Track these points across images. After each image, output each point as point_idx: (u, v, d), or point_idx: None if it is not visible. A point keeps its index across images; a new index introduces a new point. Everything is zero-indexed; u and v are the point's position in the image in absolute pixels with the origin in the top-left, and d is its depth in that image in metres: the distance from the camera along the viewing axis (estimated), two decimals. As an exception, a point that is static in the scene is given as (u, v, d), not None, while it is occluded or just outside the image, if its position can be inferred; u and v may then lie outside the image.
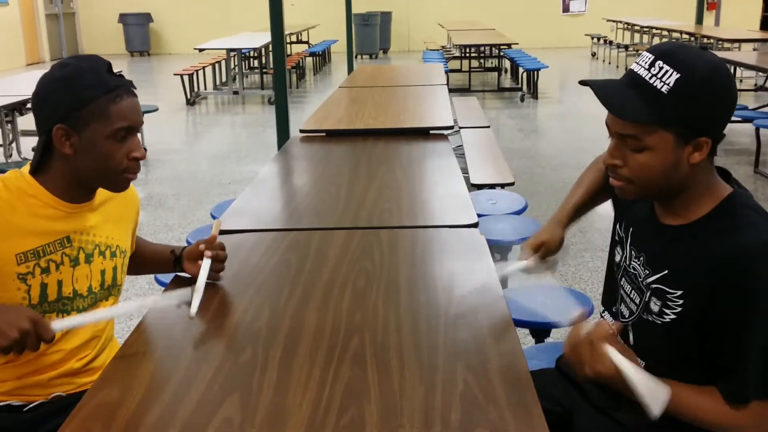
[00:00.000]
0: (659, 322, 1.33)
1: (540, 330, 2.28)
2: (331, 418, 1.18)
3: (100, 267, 1.56)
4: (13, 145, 5.78)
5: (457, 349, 1.40)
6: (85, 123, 1.41)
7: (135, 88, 1.51)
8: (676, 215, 1.34)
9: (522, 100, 9.78)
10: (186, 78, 9.80)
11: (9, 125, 5.54)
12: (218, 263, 1.68)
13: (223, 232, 2.16)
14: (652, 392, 1.17)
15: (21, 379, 1.51)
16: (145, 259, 1.80)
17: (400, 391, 1.26)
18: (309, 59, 13.31)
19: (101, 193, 1.58)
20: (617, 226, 1.55)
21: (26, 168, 1.49)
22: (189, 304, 1.52)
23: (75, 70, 1.43)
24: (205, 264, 1.64)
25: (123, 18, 16.38)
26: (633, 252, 1.44)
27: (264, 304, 1.62)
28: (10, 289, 1.42)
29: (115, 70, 1.50)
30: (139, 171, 1.52)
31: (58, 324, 1.35)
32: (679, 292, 1.30)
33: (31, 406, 1.52)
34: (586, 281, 3.88)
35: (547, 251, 1.67)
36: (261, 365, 1.35)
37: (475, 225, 2.11)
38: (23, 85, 5.82)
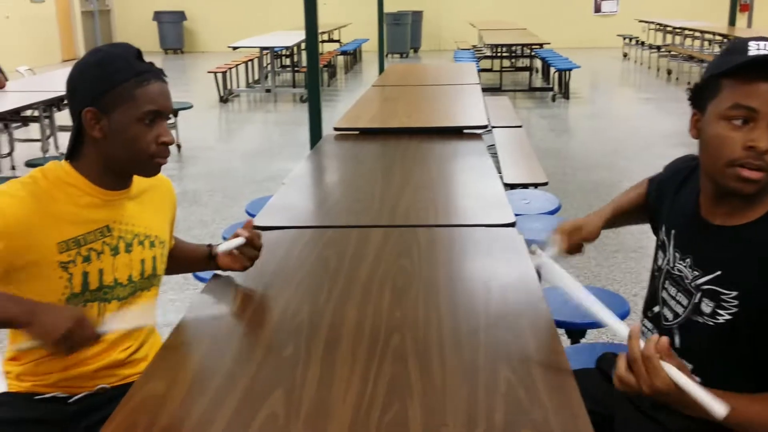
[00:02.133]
0: (711, 323, 1.32)
1: (576, 330, 2.27)
2: (374, 414, 1.19)
3: (139, 256, 1.57)
4: (51, 140, 5.87)
5: (498, 349, 1.40)
6: (113, 106, 1.43)
7: (166, 76, 1.51)
8: (731, 215, 1.32)
9: (553, 99, 9.72)
10: (219, 76, 9.88)
11: (47, 120, 5.63)
12: (253, 250, 1.69)
13: (260, 228, 2.18)
14: (713, 401, 1.15)
15: (66, 371, 1.53)
16: (180, 257, 1.81)
17: (443, 389, 1.26)
18: (340, 58, 13.35)
19: (138, 184, 1.59)
20: (659, 232, 1.54)
21: (64, 161, 1.51)
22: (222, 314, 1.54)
23: (105, 55, 1.46)
24: (234, 241, 1.66)
25: (158, 16, 16.57)
26: (677, 254, 1.42)
27: (304, 300, 1.63)
28: (52, 278, 1.43)
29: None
30: (168, 156, 1.52)
31: (104, 325, 1.38)
32: (735, 293, 1.28)
33: (76, 397, 1.54)
34: (618, 282, 3.85)
35: (581, 238, 1.66)
36: (303, 361, 1.36)
37: (512, 224, 2.11)
38: (59, 81, 5.90)
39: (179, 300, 3.59)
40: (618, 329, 1.30)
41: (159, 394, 1.26)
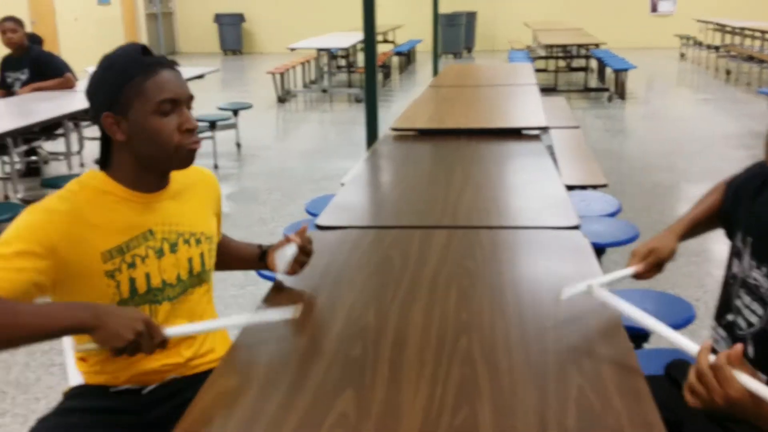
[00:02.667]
0: None
1: (639, 335, 2.24)
2: (445, 416, 1.19)
3: (186, 255, 1.57)
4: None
5: (568, 353, 1.39)
6: (128, 105, 1.42)
7: (177, 64, 1.50)
8: None
9: (609, 100, 9.56)
10: (278, 76, 10.01)
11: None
12: (304, 256, 1.70)
13: (324, 228, 2.21)
14: None
15: (133, 366, 1.55)
16: (230, 255, 1.81)
17: (512, 393, 1.26)
18: (395, 58, 13.37)
19: (178, 181, 1.59)
20: (734, 238, 1.50)
21: (98, 170, 1.52)
22: (290, 316, 1.54)
23: (110, 59, 1.47)
24: (288, 251, 1.66)
25: (218, 18, 16.87)
26: (754, 263, 1.39)
27: (370, 301, 1.65)
28: (100, 287, 1.44)
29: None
30: (197, 142, 1.48)
31: (171, 330, 1.37)
32: None
33: (149, 389, 1.58)
34: (680, 286, 3.77)
35: (657, 259, 1.64)
36: (372, 361, 1.38)
37: (576, 227, 2.09)
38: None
39: (241, 296, 3.66)
40: (689, 347, 1.28)
41: (232, 390, 1.30)
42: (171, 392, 1.58)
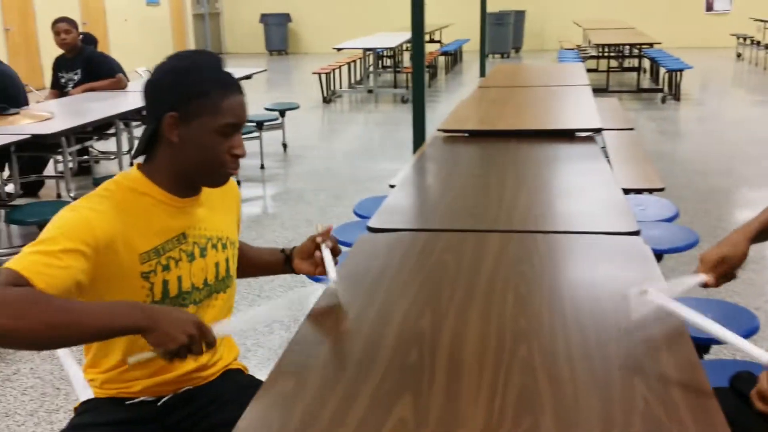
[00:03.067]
0: None
1: (700, 346, 2.16)
2: (506, 426, 1.16)
3: (214, 260, 1.57)
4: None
5: (632, 363, 1.35)
6: (195, 114, 1.43)
7: (242, 87, 1.52)
8: None
9: (663, 101, 9.36)
10: (323, 76, 10.05)
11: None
12: (334, 254, 1.68)
13: (376, 230, 2.19)
14: None
15: (152, 378, 1.55)
16: (248, 261, 1.78)
17: (575, 403, 1.22)
18: (441, 58, 13.32)
19: (206, 188, 1.58)
20: None
21: (133, 169, 1.51)
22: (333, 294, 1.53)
23: (193, 62, 1.46)
24: (325, 252, 1.64)
25: (264, 18, 17.03)
26: None
27: (425, 304, 1.62)
28: (134, 288, 1.44)
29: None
30: (238, 168, 1.51)
31: (218, 329, 1.35)
32: None
33: (163, 400, 1.57)
34: (740, 294, 3.65)
35: (730, 268, 1.57)
36: (429, 368, 1.35)
37: (636, 233, 2.03)
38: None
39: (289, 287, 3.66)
40: (758, 355, 1.22)
41: (289, 392, 1.28)
42: (185, 399, 1.58)
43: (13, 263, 1.27)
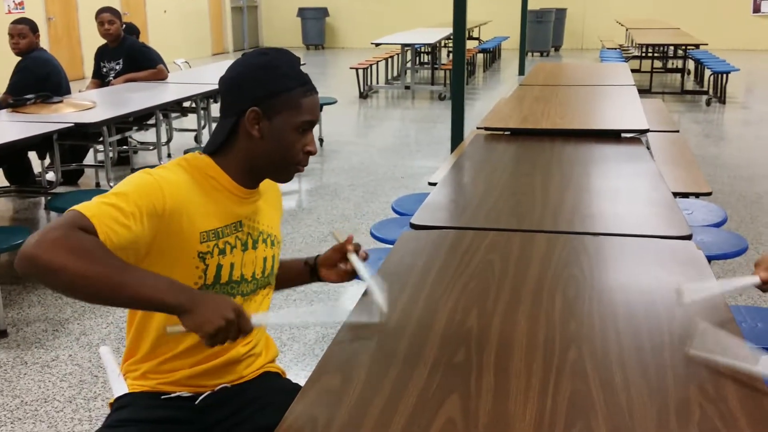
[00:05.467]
0: None
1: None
2: (558, 431, 1.13)
3: (263, 254, 1.57)
4: (205, 130, 6.16)
5: (687, 370, 1.30)
6: (277, 110, 1.45)
7: None
8: None
9: (708, 104, 9.18)
10: (360, 72, 10.04)
11: (203, 112, 5.91)
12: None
13: (419, 227, 2.16)
14: None
15: (192, 368, 1.53)
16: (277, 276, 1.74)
17: (629, 411, 1.18)
18: (479, 56, 13.22)
19: (262, 185, 1.59)
20: None
21: (203, 155, 1.51)
22: (375, 320, 1.51)
23: (274, 59, 1.47)
24: (355, 259, 1.63)
25: (301, 12, 17.08)
26: None
27: (472, 305, 1.59)
28: (189, 267, 1.44)
29: None
30: (307, 165, 1.55)
31: (255, 318, 1.34)
32: None
33: (201, 398, 1.55)
34: (786, 304, 3.55)
35: None
36: (476, 368, 1.32)
37: (688, 237, 1.97)
38: (214, 74, 6.19)
39: (323, 293, 3.66)
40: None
41: (335, 389, 1.26)
42: (222, 399, 1.56)
43: (83, 207, 1.29)
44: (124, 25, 5.85)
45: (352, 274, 1.67)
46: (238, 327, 1.28)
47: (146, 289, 1.24)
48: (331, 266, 1.70)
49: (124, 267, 1.24)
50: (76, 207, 1.29)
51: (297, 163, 1.51)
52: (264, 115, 1.45)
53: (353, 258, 1.64)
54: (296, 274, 1.76)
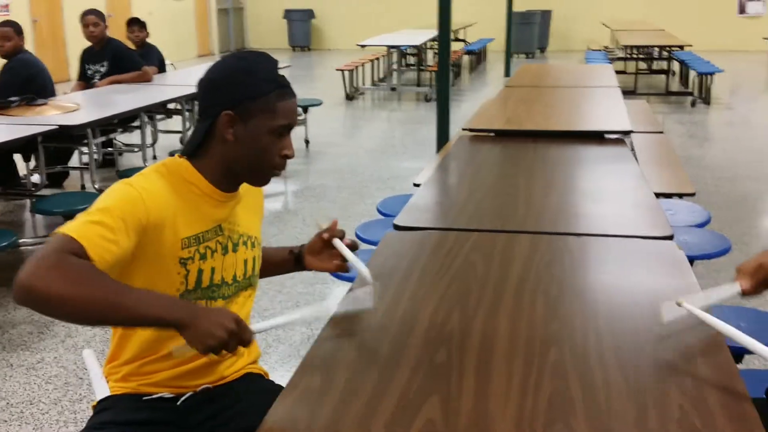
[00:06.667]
0: None
1: (734, 355, 2.12)
2: (537, 431, 1.13)
3: (243, 256, 1.58)
4: (190, 131, 6.14)
5: (666, 370, 1.32)
6: (252, 114, 1.44)
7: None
8: None
9: (693, 105, 9.24)
10: (347, 73, 10.04)
11: (188, 114, 5.89)
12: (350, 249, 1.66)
13: (403, 228, 2.17)
14: None
15: (173, 369, 1.53)
16: (261, 262, 1.74)
17: (608, 410, 1.19)
18: (465, 57, 13.26)
19: (242, 187, 1.59)
20: None
21: (181, 158, 1.50)
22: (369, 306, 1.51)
23: (252, 63, 1.47)
24: (340, 245, 1.63)
25: (287, 14, 17.06)
26: None
27: (453, 305, 1.60)
28: (171, 273, 1.44)
29: (283, 64, 1.51)
30: (284, 169, 1.54)
31: (255, 326, 1.35)
32: None
33: (183, 399, 1.55)
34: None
35: (766, 274, 1.53)
36: (457, 368, 1.33)
37: (670, 237, 1.99)
38: (198, 77, 6.18)
39: (309, 294, 3.66)
40: None
41: (316, 389, 1.27)
42: (204, 400, 1.56)
43: (71, 230, 1.28)
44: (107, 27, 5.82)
45: (339, 263, 1.66)
46: (239, 338, 1.28)
47: (144, 308, 1.24)
48: (316, 254, 1.70)
49: (120, 289, 1.25)
50: (63, 230, 1.28)
51: (273, 167, 1.50)
52: (239, 119, 1.44)
53: (338, 243, 1.64)
54: (281, 261, 1.76)
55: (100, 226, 1.30)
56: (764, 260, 1.53)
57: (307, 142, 7.06)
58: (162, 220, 1.40)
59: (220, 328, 1.25)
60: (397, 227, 2.18)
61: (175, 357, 1.40)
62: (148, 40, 6.58)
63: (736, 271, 1.56)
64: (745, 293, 1.51)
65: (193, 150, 1.50)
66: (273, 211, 5.12)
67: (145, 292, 1.29)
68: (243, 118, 1.45)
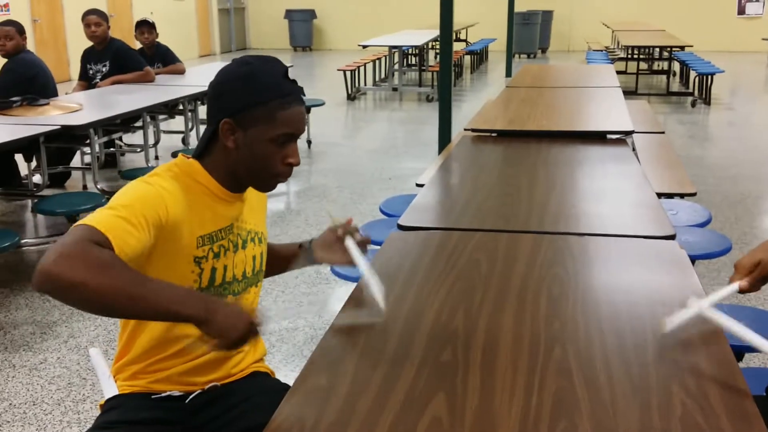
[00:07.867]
0: None
1: (735, 353, 2.13)
2: (542, 429, 1.15)
3: (252, 253, 1.59)
4: (193, 132, 6.15)
5: (669, 368, 1.33)
6: (252, 123, 1.44)
7: (304, 95, 1.52)
8: None
9: (693, 105, 9.25)
10: (348, 73, 10.05)
11: (191, 114, 5.90)
12: (362, 246, 1.66)
13: (407, 228, 2.18)
14: None
15: (184, 365, 1.54)
16: (271, 258, 1.76)
17: (612, 408, 1.20)
18: (466, 57, 13.26)
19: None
20: None
21: (191, 159, 1.52)
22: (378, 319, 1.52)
23: (254, 70, 1.46)
24: (352, 246, 1.63)
25: (289, 14, 17.07)
26: None
27: (458, 304, 1.61)
28: (185, 272, 1.45)
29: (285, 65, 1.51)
30: (290, 176, 1.53)
31: (276, 312, 1.38)
32: None
33: (191, 397, 1.56)
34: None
35: (764, 270, 1.54)
36: (463, 367, 1.34)
37: (672, 237, 2.00)
38: (202, 77, 6.18)
39: (312, 294, 3.67)
40: None
41: (322, 388, 1.28)
42: (212, 399, 1.57)
43: (95, 221, 1.28)
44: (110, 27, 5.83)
45: (350, 258, 1.66)
46: (256, 330, 1.29)
47: (164, 300, 1.24)
48: (327, 247, 1.70)
49: (142, 280, 1.25)
50: (86, 221, 1.28)
51: (277, 175, 1.50)
52: (238, 127, 1.45)
53: (350, 244, 1.64)
54: (290, 256, 1.76)
55: (124, 221, 1.30)
56: (762, 256, 1.54)
57: (309, 142, 7.07)
58: (179, 218, 1.41)
59: (243, 321, 1.26)
60: (401, 227, 2.19)
61: (188, 352, 1.42)
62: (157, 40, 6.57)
63: (734, 268, 1.57)
64: (743, 290, 1.52)
65: (201, 152, 1.52)
66: (275, 211, 5.13)
67: (165, 284, 1.28)
68: (243, 126, 1.45)
